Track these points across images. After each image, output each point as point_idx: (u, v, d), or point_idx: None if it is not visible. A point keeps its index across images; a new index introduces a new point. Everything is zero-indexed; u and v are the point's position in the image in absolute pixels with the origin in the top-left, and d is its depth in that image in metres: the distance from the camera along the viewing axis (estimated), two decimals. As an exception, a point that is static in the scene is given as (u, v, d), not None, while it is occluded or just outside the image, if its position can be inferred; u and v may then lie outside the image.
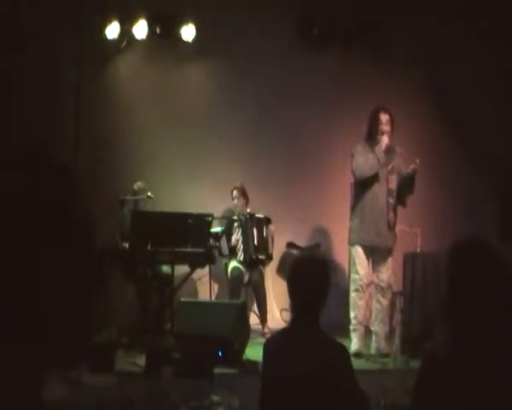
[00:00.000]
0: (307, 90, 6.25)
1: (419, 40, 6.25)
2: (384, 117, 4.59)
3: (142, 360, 3.97)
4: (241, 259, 5.51)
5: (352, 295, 4.65)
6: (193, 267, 5.33)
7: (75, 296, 0.68)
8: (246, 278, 5.51)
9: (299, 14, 6.24)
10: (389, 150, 4.60)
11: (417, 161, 4.55)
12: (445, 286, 1.75)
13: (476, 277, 1.68)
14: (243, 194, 5.67)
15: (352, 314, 4.66)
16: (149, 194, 5.45)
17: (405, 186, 4.66)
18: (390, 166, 4.61)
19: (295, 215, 6.19)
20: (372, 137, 4.62)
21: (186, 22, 6.12)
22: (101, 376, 3.56)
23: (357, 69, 6.22)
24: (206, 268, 5.45)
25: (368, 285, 4.65)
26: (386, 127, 4.58)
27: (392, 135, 4.60)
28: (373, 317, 4.68)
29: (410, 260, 4.73)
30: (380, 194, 4.58)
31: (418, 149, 6.19)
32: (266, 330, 5.35)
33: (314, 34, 6.27)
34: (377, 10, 6.21)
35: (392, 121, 4.61)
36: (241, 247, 5.54)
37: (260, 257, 5.53)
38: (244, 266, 5.49)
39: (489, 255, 1.70)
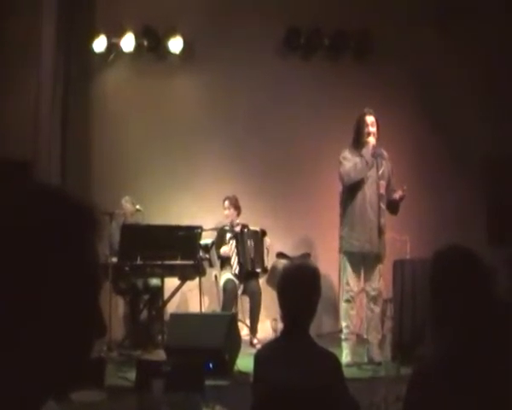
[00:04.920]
0: (296, 100, 6.29)
1: (404, 47, 6.32)
2: (369, 119, 4.58)
3: (132, 375, 3.92)
4: (236, 272, 5.46)
5: (344, 305, 4.62)
6: (183, 280, 5.30)
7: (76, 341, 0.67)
8: (240, 290, 5.48)
9: (285, 24, 6.29)
10: (378, 154, 4.57)
11: (405, 187, 4.53)
12: (429, 296, 1.74)
13: (458, 285, 1.68)
14: (235, 205, 5.65)
15: (343, 324, 4.62)
16: (138, 207, 5.44)
17: (390, 209, 4.64)
18: (381, 171, 4.58)
19: (285, 225, 6.19)
20: (359, 141, 4.59)
21: (173, 34, 6.14)
22: (91, 391, 3.51)
23: (344, 77, 6.27)
24: (196, 280, 5.42)
25: (358, 294, 4.63)
26: (371, 129, 4.56)
27: (378, 138, 4.57)
28: (365, 325, 4.65)
29: (399, 268, 4.73)
30: (372, 199, 4.53)
31: (406, 155, 6.26)
32: (256, 340, 5.31)
33: (301, 43, 6.32)
34: (362, 19, 6.28)
35: (377, 124, 4.59)
36: (235, 259, 5.50)
37: (257, 270, 5.50)
38: (238, 279, 5.45)
39: (470, 263, 1.70)
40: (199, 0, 6.26)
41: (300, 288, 2.24)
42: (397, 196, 4.56)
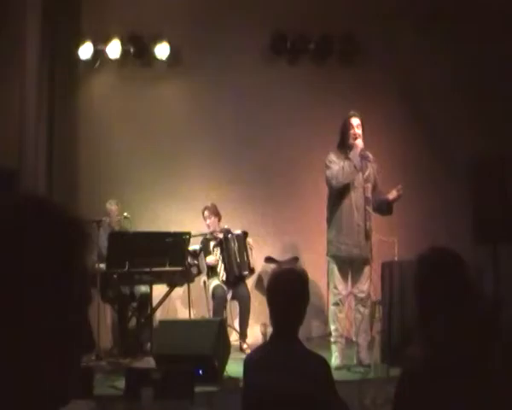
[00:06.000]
0: (283, 105, 6.30)
1: (390, 49, 6.37)
2: (355, 121, 4.55)
3: (121, 383, 3.89)
4: (224, 278, 5.44)
5: (332, 308, 4.61)
6: (171, 286, 5.28)
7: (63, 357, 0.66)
8: (229, 296, 5.47)
9: (271, 29, 6.31)
10: (364, 157, 4.55)
11: (400, 187, 4.51)
12: (415, 298, 1.75)
13: (442, 286, 1.69)
14: (215, 212, 5.63)
15: (332, 327, 4.62)
16: (126, 214, 5.40)
17: (384, 209, 4.62)
18: (366, 174, 4.56)
19: (273, 230, 6.19)
20: (345, 144, 4.57)
21: (160, 41, 6.13)
22: (80, 401, 3.47)
23: (331, 80, 6.31)
24: (185, 286, 5.40)
25: (347, 297, 4.62)
26: (357, 131, 4.53)
27: (364, 140, 4.55)
28: (354, 328, 4.65)
29: (388, 270, 4.74)
30: (358, 203, 4.51)
31: (393, 156, 6.30)
32: (245, 345, 5.30)
33: (287, 48, 6.34)
34: (348, 22, 6.32)
35: (363, 126, 4.57)
36: (221, 266, 5.48)
37: (244, 273, 5.50)
38: (227, 285, 5.45)
39: (454, 264, 1.71)
40: (185, 6, 6.27)
41: (289, 292, 2.24)
42: (390, 196, 4.54)
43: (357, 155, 4.50)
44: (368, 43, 6.36)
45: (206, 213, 5.61)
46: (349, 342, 4.69)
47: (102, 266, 4.98)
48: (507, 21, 6.07)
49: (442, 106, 6.38)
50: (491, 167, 4.39)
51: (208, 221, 5.61)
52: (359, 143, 4.52)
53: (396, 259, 5.07)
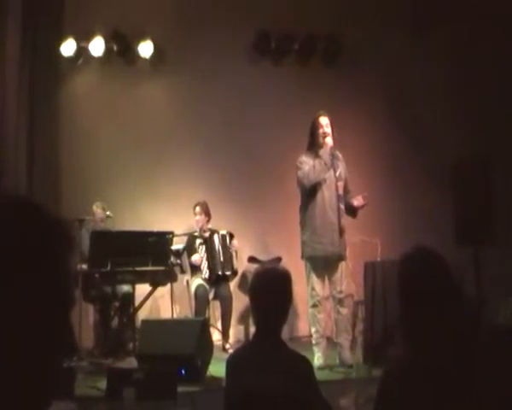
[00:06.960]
0: (267, 105, 6.31)
1: (374, 50, 6.41)
2: (324, 120, 4.58)
3: (103, 383, 3.85)
4: (206, 276, 5.46)
5: (311, 310, 4.59)
6: (154, 286, 5.26)
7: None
8: (211, 295, 5.47)
9: (255, 28, 6.32)
10: (334, 155, 4.56)
11: (366, 194, 4.54)
12: (398, 297, 1.76)
13: (424, 287, 1.70)
14: (206, 211, 5.65)
15: (312, 329, 4.61)
16: (108, 213, 5.38)
17: (349, 212, 4.64)
18: (338, 173, 4.58)
19: (256, 230, 6.20)
20: (314, 144, 4.59)
21: (143, 39, 6.10)
22: (61, 402, 3.43)
23: (315, 81, 6.32)
24: (168, 286, 5.38)
25: (326, 298, 4.61)
26: (326, 129, 4.55)
27: (334, 139, 4.56)
28: (335, 329, 4.66)
29: (370, 270, 4.76)
30: (331, 201, 4.52)
31: (375, 157, 6.35)
32: (228, 345, 5.31)
33: (271, 48, 6.35)
34: (333, 23, 6.35)
35: (332, 125, 4.58)
36: (205, 264, 5.49)
37: (226, 273, 5.51)
38: (209, 284, 5.45)
39: (436, 263, 1.72)
40: (168, 4, 6.24)
41: (272, 292, 2.24)
42: (356, 203, 4.57)
43: (327, 152, 4.52)
44: (353, 43, 6.40)
45: (198, 209, 5.64)
46: (331, 343, 4.70)
47: (84, 265, 4.94)
48: (498, 24, 6.15)
49: (426, 107, 6.44)
50: (473, 169, 4.43)
51: (198, 217, 5.64)
52: (329, 141, 4.54)
53: (379, 259, 5.10)
